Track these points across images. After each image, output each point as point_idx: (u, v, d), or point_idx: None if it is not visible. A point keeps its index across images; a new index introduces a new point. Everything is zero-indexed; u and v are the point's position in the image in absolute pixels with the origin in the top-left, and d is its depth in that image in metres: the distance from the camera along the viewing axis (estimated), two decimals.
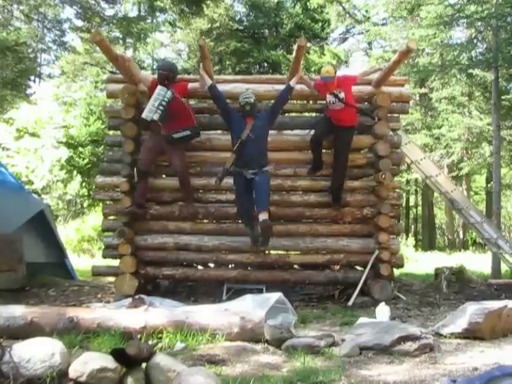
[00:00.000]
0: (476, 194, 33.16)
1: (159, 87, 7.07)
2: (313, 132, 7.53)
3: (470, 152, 21.14)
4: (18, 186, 9.64)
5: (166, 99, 6.98)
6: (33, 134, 20.29)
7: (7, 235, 8.07)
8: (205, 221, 7.97)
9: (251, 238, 7.10)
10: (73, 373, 3.37)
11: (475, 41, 14.89)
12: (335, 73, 7.20)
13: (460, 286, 8.25)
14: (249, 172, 6.72)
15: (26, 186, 16.41)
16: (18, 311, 4.76)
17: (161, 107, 6.97)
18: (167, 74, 7.19)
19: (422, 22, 16.82)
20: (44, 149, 19.78)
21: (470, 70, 15.55)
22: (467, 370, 3.83)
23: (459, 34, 29.49)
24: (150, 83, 7.32)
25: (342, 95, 7.19)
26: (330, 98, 7.24)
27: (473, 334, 4.84)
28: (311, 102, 8.15)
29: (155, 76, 7.44)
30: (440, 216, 35.36)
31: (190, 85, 7.50)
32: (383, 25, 23.96)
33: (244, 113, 6.91)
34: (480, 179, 30.97)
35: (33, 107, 20.42)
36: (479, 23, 13.34)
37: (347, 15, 27.27)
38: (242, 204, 6.96)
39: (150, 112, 6.98)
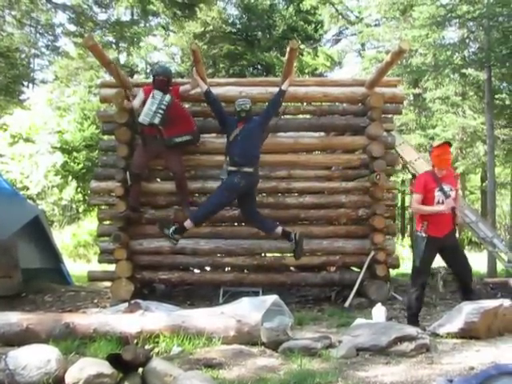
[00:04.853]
0: (471, 193, 33.19)
1: (155, 91, 7.06)
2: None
3: (464, 151, 21.19)
4: (13, 192, 9.61)
5: (164, 103, 6.99)
6: (27, 140, 20.24)
7: (2, 241, 8.03)
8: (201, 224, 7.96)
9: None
10: (69, 379, 3.37)
11: (467, 41, 14.93)
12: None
13: (456, 286, 8.24)
14: (245, 171, 6.69)
15: (21, 192, 16.39)
16: (13, 318, 4.75)
17: (160, 111, 6.97)
18: (166, 80, 7.20)
19: (415, 22, 16.85)
20: (39, 154, 19.74)
21: (463, 70, 15.58)
22: (464, 369, 3.84)
23: (452, 34, 29.49)
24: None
25: (453, 193, 5.62)
26: (438, 195, 5.55)
27: (469, 334, 4.84)
28: (305, 103, 8.16)
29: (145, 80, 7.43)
30: None
31: (181, 87, 7.51)
32: (376, 26, 23.99)
33: (239, 118, 6.92)
34: (475, 178, 30.97)
35: (27, 113, 20.38)
36: (471, 23, 13.40)
37: (340, 16, 27.29)
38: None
39: (147, 116, 6.97)
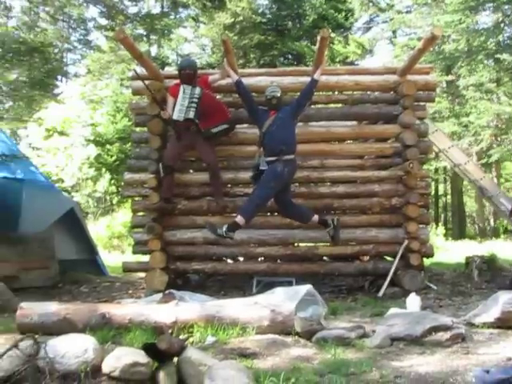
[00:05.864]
0: (506, 180, 32.65)
1: (184, 86, 7.08)
2: None
3: (499, 138, 20.84)
4: (49, 184, 9.78)
5: (196, 96, 6.99)
6: (61, 133, 20.56)
7: (39, 233, 8.19)
8: (233, 214, 7.98)
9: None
10: (106, 368, 3.42)
11: (502, 25, 14.66)
12: None
13: (492, 275, 8.12)
14: (286, 159, 6.66)
15: (57, 185, 16.65)
16: (51, 308, 4.84)
17: (193, 104, 6.97)
18: (193, 73, 7.21)
19: (447, 7, 16.59)
20: (73, 147, 20.03)
21: (498, 55, 15.32)
22: (501, 359, 3.77)
23: (486, 18, 28.98)
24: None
25: None
26: None
27: (505, 324, 4.76)
28: (336, 92, 8.11)
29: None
30: (470, 204, 34.96)
31: (211, 77, 7.51)
32: (407, 12, 23.72)
33: (269, 106, 6.91)
34: (510, 166, 30.50)
35: (61, 106, 20.67)
36: (506, 7, 13.15)
37: (371, 4, 27.06)
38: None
39: (181, 112, 6.99)
